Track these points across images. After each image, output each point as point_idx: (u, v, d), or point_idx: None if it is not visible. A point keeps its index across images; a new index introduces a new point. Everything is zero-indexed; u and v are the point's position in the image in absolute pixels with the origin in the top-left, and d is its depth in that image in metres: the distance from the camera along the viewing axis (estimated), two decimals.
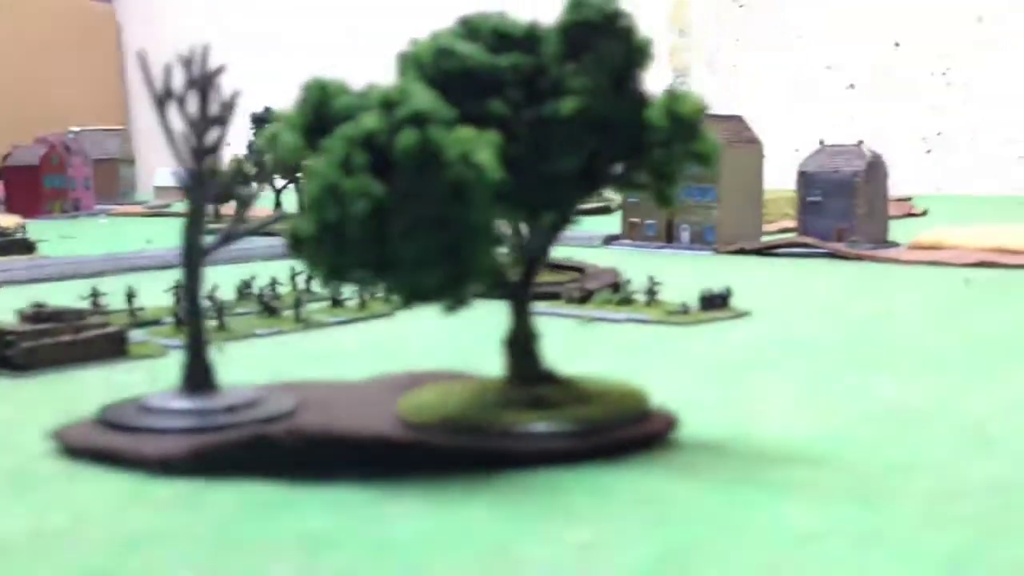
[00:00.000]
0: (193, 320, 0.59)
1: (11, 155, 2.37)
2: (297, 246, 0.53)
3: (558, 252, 1.43)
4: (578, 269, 1.21)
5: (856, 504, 0.45)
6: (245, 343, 0.86)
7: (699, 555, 0.39)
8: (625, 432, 0.54)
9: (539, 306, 1.02)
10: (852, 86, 3.02)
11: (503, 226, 0.57)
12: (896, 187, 2.85)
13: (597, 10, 0.55)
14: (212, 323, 0.89)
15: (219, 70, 0.60)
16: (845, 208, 1.52)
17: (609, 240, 1.65)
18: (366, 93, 0.54)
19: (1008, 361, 0.74)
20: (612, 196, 1.83)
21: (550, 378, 0.57)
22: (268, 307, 0.94)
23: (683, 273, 1.25)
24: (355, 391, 0.61)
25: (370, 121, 0.51)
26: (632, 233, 1.63)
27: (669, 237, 1.59)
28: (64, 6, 3.96)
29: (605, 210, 1.99)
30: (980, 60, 2.80)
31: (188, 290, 0.59)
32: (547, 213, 0.58)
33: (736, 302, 0.99)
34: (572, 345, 0.84)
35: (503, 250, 0.56)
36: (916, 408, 0.61)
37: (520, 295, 0.58)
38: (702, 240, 1.55)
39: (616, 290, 1.04)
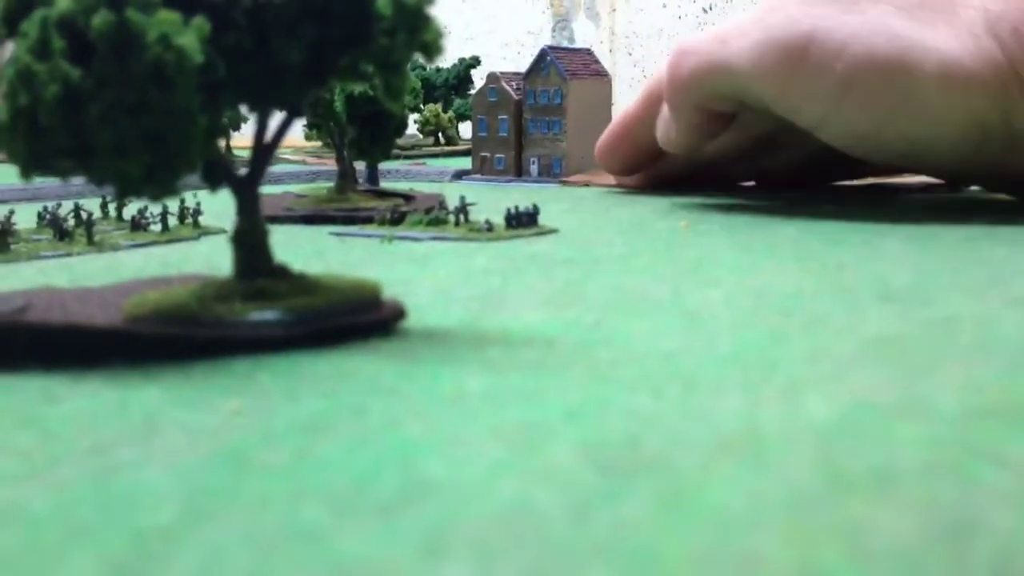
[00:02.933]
0: None
1: None
2: None
3: (402, 188, 1.44)
4: (406, 196, 1.21)
5: (531, 372, 0.46)
6: (27, 264, 0.84)
7: (343, 417, 0.40)
8: (343, 320, 0.54)
9: (351, 228, 1.02)
10: None
11: (223, 117, 0.56)
12: None
13: None
14: None
15: None
16: None
17: (459, 175, 1.65)
18: None
19: (766, 264, 0.75)
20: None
21: (279, 273, 0.57)
22: (60, 230, 0.92)
23: (517, 201, 1.25)
24: (89, 294, 0.60)
25: (65, 3, 0.50)
26: (482, 168, 1.63)
27: (519, 171, 1.59)
28: None
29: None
30: None
31: None
32: (275, 105, 0.58)
33: (547, 221, 0.99)
34: (361, 259, 0.84)
35: (221, 141, 0.56)
36: (652, 299, 0.62)
37: (247, 189, 0.57)
38: (550, 173, 1.55)
39: (429, 212, 1.04)
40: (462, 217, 1.00)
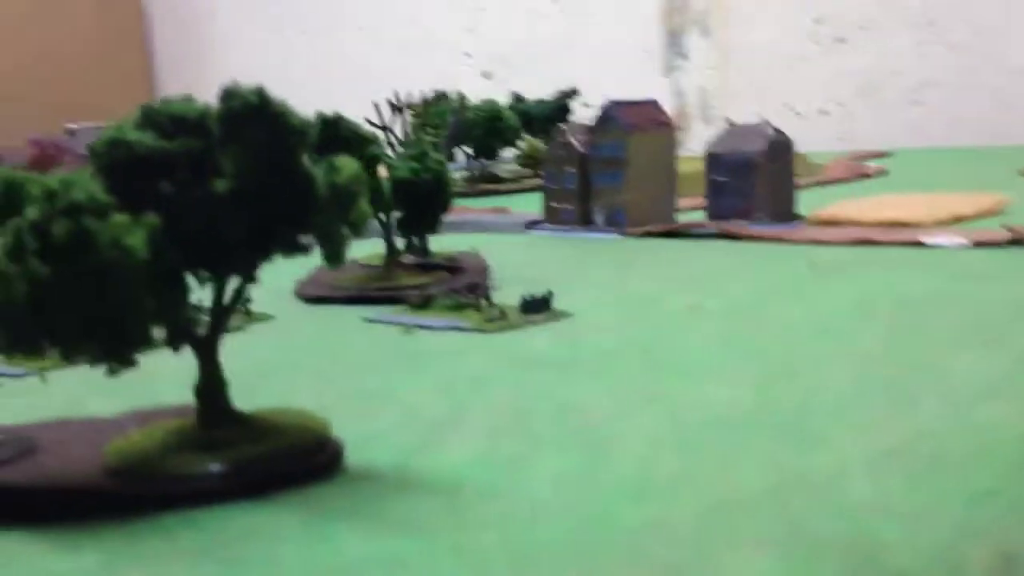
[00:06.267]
0: None
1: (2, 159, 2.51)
2: None
3: (472, 241, 1.51)
4: (450, 269, 1.28)
5: (418, 536, 0.52)
6: None
7: None
8: (278, 469, 0.62)
9: (376, 311, 1.10)
10: (843, 40, 3.00)
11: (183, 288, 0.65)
12: (881, 141, 2.85)
13: (243, 102, 0.62)
14: None
15: None
16: (748, 187, 1.56)
17: (531, 225, 1.71)
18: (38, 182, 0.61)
19: (731, 365, 0.79)
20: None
21: (234, 420, 0.65)
22: None
23: (562, 260, 1.31)
24: (67, 431, 0.69)
25: (33, 212, 0.60)
26: (552, 217, 1.68)
27: (585, 221, 1.64)
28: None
29: None
30: (971, 5, 2.77)
31: None
32: (228, 275, 0.66)
33: (572, 301, 1.05)
34: (364, 360, 0.91)
35: (196, 308, 0.64)
36: (587, 428, 0.68)
37: (206, 347, 0.66)
38: (614, 223, 1.60)
39: (457, 292, 1.10)
40: (486, 301, 1.06)
